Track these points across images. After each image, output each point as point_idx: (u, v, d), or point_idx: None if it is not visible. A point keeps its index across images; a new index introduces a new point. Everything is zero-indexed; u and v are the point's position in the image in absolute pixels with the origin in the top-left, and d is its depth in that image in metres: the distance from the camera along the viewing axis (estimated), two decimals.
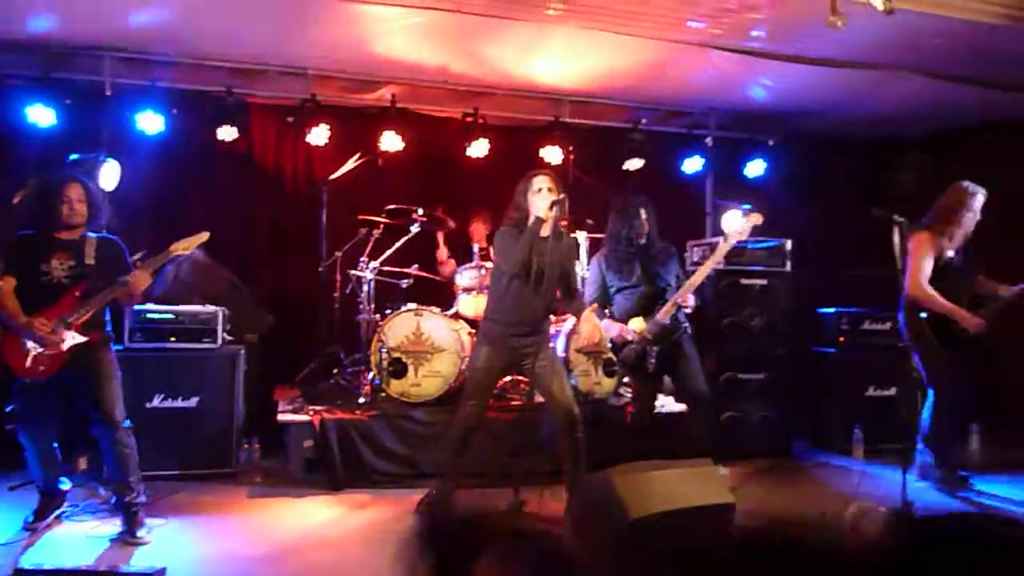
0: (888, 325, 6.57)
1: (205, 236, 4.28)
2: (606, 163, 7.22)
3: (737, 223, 5.01)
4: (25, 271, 4.03)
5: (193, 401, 5.27)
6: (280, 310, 6.51)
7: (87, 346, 4.02)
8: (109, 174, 5.50)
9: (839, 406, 6.48)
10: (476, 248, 6.51)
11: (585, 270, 5.62)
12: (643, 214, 4.91)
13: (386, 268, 6.19)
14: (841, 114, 7.10)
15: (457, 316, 6.08)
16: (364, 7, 5.08)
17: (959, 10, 4.80)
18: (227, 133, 6.27)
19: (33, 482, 4.34)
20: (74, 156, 5.37)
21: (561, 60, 6.17)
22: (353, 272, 6.15)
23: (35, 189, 4.36)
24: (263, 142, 7.05)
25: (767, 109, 7.15)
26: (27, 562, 3.63)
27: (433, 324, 5.75)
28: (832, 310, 6.64)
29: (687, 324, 4.95)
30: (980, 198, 5.01)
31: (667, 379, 5.36)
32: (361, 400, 5.66)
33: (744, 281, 6.34)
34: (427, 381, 5.69)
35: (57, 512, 4.31)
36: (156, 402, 5.19)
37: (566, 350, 5.78)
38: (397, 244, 6.24)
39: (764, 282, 6.39)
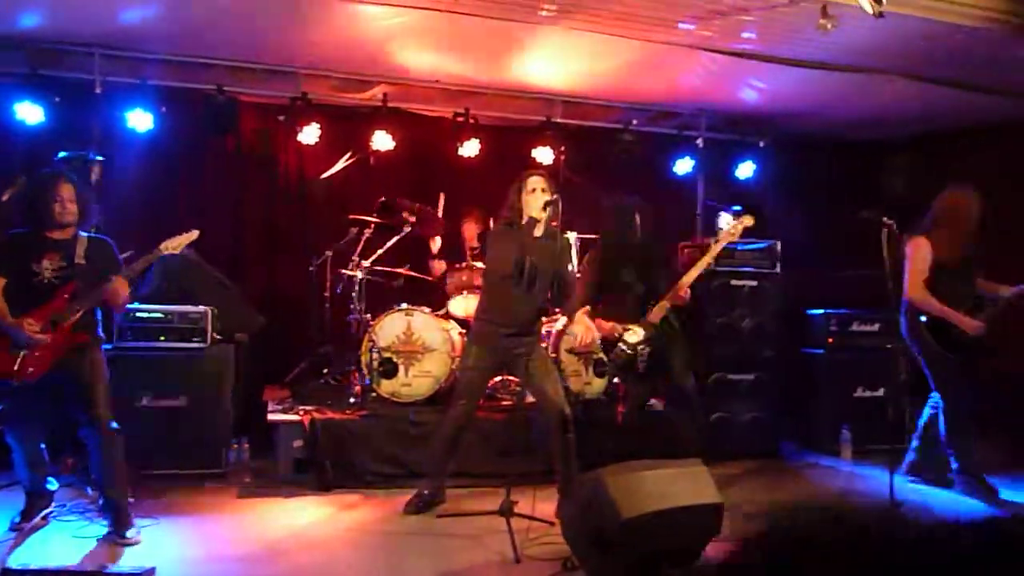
0: (877, 327, 6.62)
1: (195, 235, 4.26)
2: (597, 163, 7.23)
3: (729, 225, 5.04)
4: (16, 271, 4.00)
5: (182, 401, 5.24)
6: (270, 309, 6.49)
7: (77, 347, 4.00)
8: (97, 172, 5.47)
9: (827, 407, 6.51)
10: (468, 248, 6.51)
11: (577, 269, 5.63)
12: (636, 214, 4.93)
13: (377, 268, 6.18)
14: (831, 116, 7.13)
15: (448, 316, 6.07)
16: (356, 6, 5.07)
17: (947, 13, 4.83)
18: (216, 132, 6.27)
19: (20, 482, 4.31)
20: (63, 154, 5.34)
21: (553, 61, 6.17)
22: (344, 272, 6.14)
23: (26, 188, 4.32)
24: (253, 140, 7.02)
25: (757, 111, 7.18)
26: (14, 562, 3.61)
27: (424, 324, 5.75)
28: (821, 311, 6.67)
29: (677, 325, 4.97)
30: (975, 202, 5.02)
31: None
32: (351, 400, 5.66)
33: (734, 282, 6.36)
34: (418, 381, 5.69)
35: (44, 512, 4.28)
36: (145, 401, 5.16)
37: (556, 350, 5.80)
38: (388, 244, 6.23)
39: (754, 283, 6.41)
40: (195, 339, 5.33)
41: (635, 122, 7.31)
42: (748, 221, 4.91)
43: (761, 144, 7.66)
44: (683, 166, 7.52)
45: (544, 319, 5.04)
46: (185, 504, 4.72)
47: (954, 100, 6.37)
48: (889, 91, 6.26)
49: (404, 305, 5.85)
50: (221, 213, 6.84)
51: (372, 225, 6.24)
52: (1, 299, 3.95)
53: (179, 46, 5.94)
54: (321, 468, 5.14)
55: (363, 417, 5.40)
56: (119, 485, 4.06)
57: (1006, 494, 5.07)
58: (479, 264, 6.11)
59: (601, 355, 5.66)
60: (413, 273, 6.49)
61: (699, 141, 7.51)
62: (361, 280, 6.03)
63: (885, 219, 4.56)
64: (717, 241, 4.95)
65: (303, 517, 4.60)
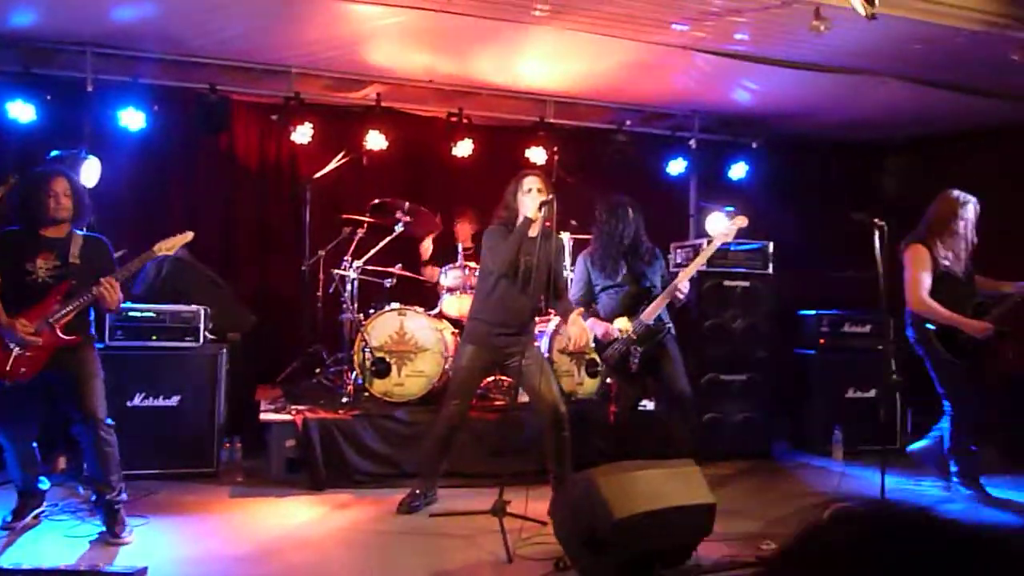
0: (868, 328, 6.66)
1: (189, 236, 4.24)
2: (590, 164, 7.24)
3: (722, 225, 5.06)
4: (9, 270, 3.96)
5: (175, 400, 5.23)
6: (263, 309, 6.49)
7: (70, 347, 3.98)
8: (90, 171, 5.46)
9: (819, 408, 6.54)
10: (460, 248, 6.51)
11: (570, 269, 5.64)
12: (631, 214, 4.95)
13: (370, 267, 6.18)
14: (824, 118, 7.16)
15: (441, 316, 6.07)
16: (350, 5, 5.07)
17: (940, 16, 4.85)
18: (209, 131, 6.27)
19: (11, 482, 4.29)
20: (55, 152, 5.32)
21: (546, 61, 6.18)
22: (336, 271, 6.13)
23: (18, 186, 4.30)
24: (246, 140, 7.02)
25: (750, 112, 7.21)
26: (6, 562, 3.60)
27: (417, 324, 5.75)
28: (813, 312, 6.70)
29: (671, 325, 4.98)
30: (971, 206, 5.02)
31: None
32: (344, 400, 5.65)
33: (727, 283, 6.39)
34: (410, 381, 5.69)
35: (36, 512, 4.26)
36: (137, 401, 5.15)
37: (549, 350, 5.80)
38: (381, 244, 6.22)
39: (746, 284, 6.43)
40: (187, 338, 5.31)
41: (628, 123, 7.33)
42: (742, 222, 4.93)
43: (754, 145, 7.69)
44: (676, 167, 7.54)
45: (537, 319, 5.04)
46: (177, 504, 4.70)
47: (949, 103, 6.40)
48: (882, 93, 6.29)
49: (397, 305, 5.85)
50: (213, 212, 6.84)
51: (365, 225, 6.23)
52: None
53: (171, 45, 5.92)
54: (313, 467, 5.14)
55: (356, 417, 5.39)
56: (113, 481, 4.05)
57: (998, 493, 5.10)
58: (472, 264, 6.11)
59: (594, 355, 5.68)
60: (406, 273, 6.49)
61: (692, 142, 7.53)
62: (354, 280, 6.03)
63: (876, 220, 4.57)
64: (711, 242, 4.97)
65: (295, 516, 4.59)
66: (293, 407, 5.54)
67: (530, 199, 4.39)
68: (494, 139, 7.16)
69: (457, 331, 5.91)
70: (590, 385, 5.96)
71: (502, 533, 3.93)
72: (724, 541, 3.97)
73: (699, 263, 4.93)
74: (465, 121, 6.89)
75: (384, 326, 5.71)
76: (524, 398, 4.82)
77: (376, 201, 6.15)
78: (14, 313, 3.87)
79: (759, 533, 4.24)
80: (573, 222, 6.13)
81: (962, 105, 6.44)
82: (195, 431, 5.26)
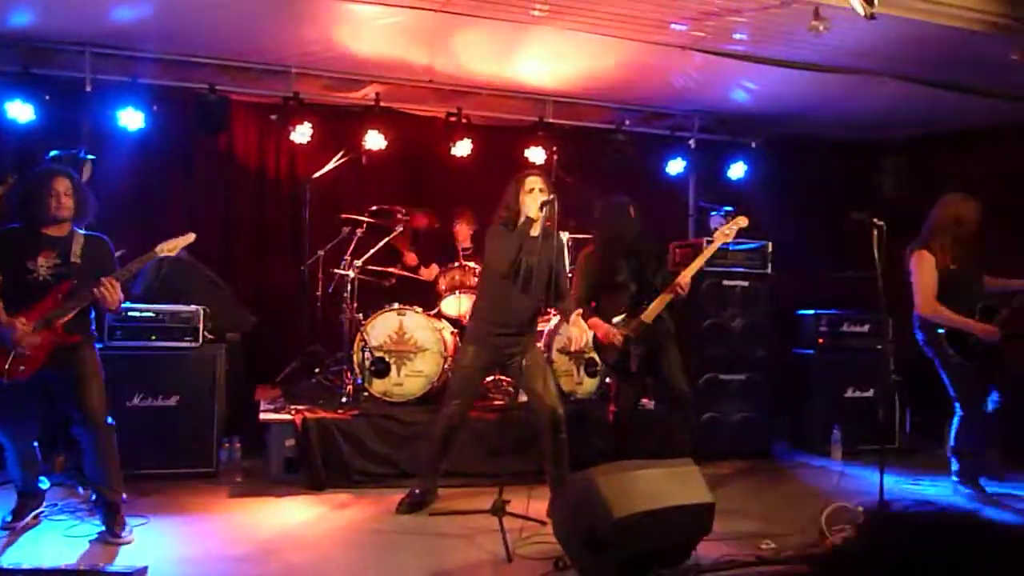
0: (867, 327, 6.66)
1: (191, 237, 4.22)
2: (589, 164, 7.24)
3: (723, 225, 5.06)
4: (10, 268, 3.95)
5: (174, 400, 5.24)
6: (262, 309, 6.49)
7: (70, 346, 3.98)
8: (88, 171, 5.45)
9: (818, 407, 6.54)
10: (460, 248, 6.51)
11: (570, 269, 5.64)
12: (631, 213, 4.95)
13: (369, 267, 6.18)
14: (823, 118, 7.16)
15: (440, 316, 6.08)
16: (349, 5, 5.07)
17: (939, 16, 4.85)
18: (208, 131, 6.27)
19: (11, 481, 4.29)
20: (54, 152, 5.32)
21: (545, 61, 6.18)
22: (336, 271, 6.14)
23: (17, 186, 4.29)
24: (245, 140, 7.02)
25: (749, 112, 7.20)
26: (6, 562, 3.60)
27: (416, 323, 5.75)
28: (812, 312, 6.70)
29: (671, 324, 4.98)
30: (974, 208, 5.02)
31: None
32: (343, 399, 5.65)
33: (726, 283, 6.39)
34: (410, 381, 5.69)
35: (36, 511, 4.26)
36: (136, 401, 5.15)
37: (548, 350, 5.81)
38: (380, 244, 6.23)
39: (745, 284, 6.44)
40: (187, 338, 5.32)
41: (627, 122, 7.33)
42: (743, 222, 4.93)
43: (753, 145, 7.68)
44: (675, 167, 7.54)
45: (538, 319, 5.04)
46: (177, 503, 4.71)
47: (948, 103, 6.39)
48: (881, 93, 6.29)
49: (396, 304, 5.85)
50: (212, 212, 6.83)
51: (364, 225, 6.24)
52: None
53: (170, 45, 5.92)
54: (313, 467, 5.14)
55: (355, 416, 5.40)
56: (113, 481, 4.05)
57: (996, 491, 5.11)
58: (471, 264, 6.12)
59: (593, 355, 5.68)
60: (405, 273, 6.49)
61: (691, 142, 7.53)
62: (353, 279, 6.03)
63: (876, 220, 4.57)
64: (712, 241, 4.96)
65: (295, 516, 4.59)
66: (292, 407, 5.53)
67: (532, 199, 4.39)
68: (493, 139, 7.16)
69: (456, 331, 5.92)
70: (589, 385, 5.97)
71: (502, 533, 3.94)
72: (723, 540, 3.98)
73: (700, 263, 4.93)
74: (464, 121, 6.89)
75: (383, 326, 5.71)
76: (524, 398, 4.82)
77: (374, 208, 6.18)
78: (14, 312, 3.87)
79: (758, 532, 4.25)
80: (572, 222, 6.13)
81: (961, 105, 6.43)
82: (194, 431, 5.26)
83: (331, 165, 6.36)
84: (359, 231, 6.22)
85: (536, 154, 6.97)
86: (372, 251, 6.17)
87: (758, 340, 6.43)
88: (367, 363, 5.60)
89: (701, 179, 7.81)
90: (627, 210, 4.97)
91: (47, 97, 5.81)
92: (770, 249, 6.51)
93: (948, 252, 4.97)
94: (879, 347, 6.51)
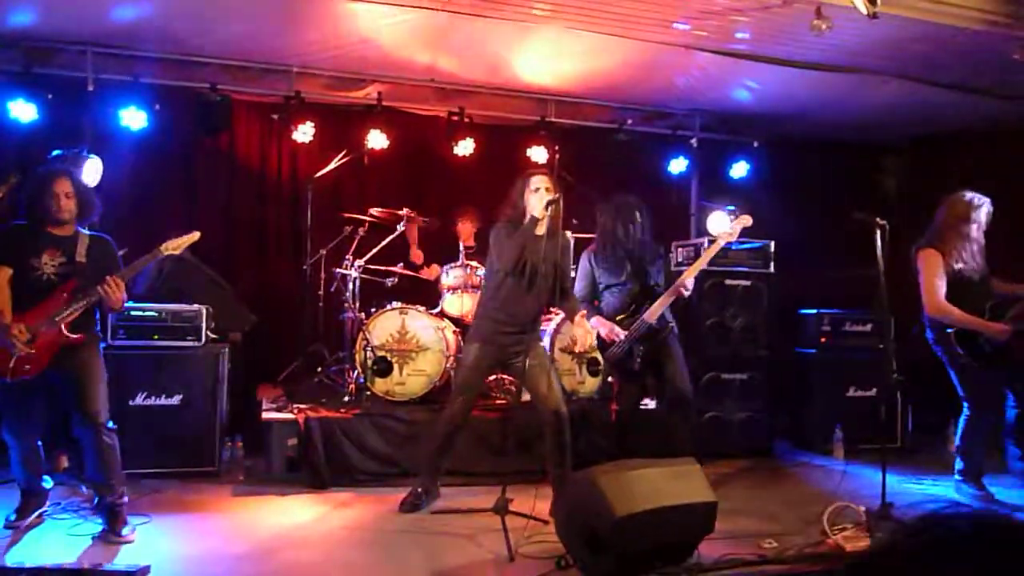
0: (869, 327, 6.67)
1: (196, 236, 4.21)
2: (591, 163, 7.25)
3: (726, 224, 5.05)
4: (15, 265, 3.95)
5: (176, 399, 5.24)
6: (264, 308, 6.49)
7: (74, 346, 3.98)
8: (91, 170, 5.46)
9: (820, 406, 6.54)
10: (462, 247, 6.51)
11: (573, 267, 5.64)
12: (636, 213, 4.95)
13: (371, 266, 6.19)
14: (825, 117, 7.16)
15: (442, 315, 6.08)
16: (350, 4, 5.08)
17: (942, 15, 4.85)
18: (210, 130, 6.29)
19: (14, 480, 4.29)
20: (56, 152, 5.32)
21: (547, 60, 6.18)
22: (338, 270, 6.14)
23: (20, 185, 4.29)
24: (247, 139, 7.02)
25: (751, 111, 7.21)
26: (9, 560, 3.60)
27: (418, 323, 5.75)
28: (814, 311, 6.70)
29: (673, 324, 4.98)
30: (984, 208, 4.98)
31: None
32: (345, 399, 5.66)
33: (728, 282, 6.39)
34: (412, 380, 5.70)
35: (39, 511, 4.26)
36: (139, 400, 5.16)
37: (550, 348, 5.81)
38: (383, 243, 6.23)
39: (747, 283, 6.44)
40: (189, 338, 5.32)
41: (629, 122, 7.33)
42: (747, 221, 4.92)
43: (755, 144, 7.68)
44: (677, 166, 7.55)
45: (542, 318, 5.04)
46: (179, 502, 4.71)
47: (950, 102, 6.40)
48: (884, 92, 6.29)
49: (398, 303, 5.85)
50: (214, 211, 6.84)
51: (366, 224, 6.24)
52: (6, 292, 3.90)
53: (172, 44, 5.93)
54: (315, 466, 5.14)
55: (357, 415, 5.40)
56: (114, 483, 4.05)
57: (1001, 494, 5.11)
58: (474, 263, 6.12)
59: (595, 354, 5.68)
60: (408, 272, 6.49)
61: (693, 141, 7.54)
62: (355, 279, 6.03)
63: (878, 220, 4.56)
64: (716, 241, 4.96)
65: (297, 515, 4.60)
66: (295, 406, 5.54)
67: (537, 198, 4.39)
68: (495, 138, 7.16)
69: (458, 330, 5.92)
70: (591, 384, 5.97)
71: (504, 532, 3.93)
72: (725, 540, 3.97)
73: (703, 262, 4.92)
74: (466, 120, 6.89)
75: (385, 325, 5.72)
76: (527, 397, 4.82)
77: (376, 212, 6.18)
78: (19, 310, 3.87)
79: (760, 532, 4.24)
80: (574, 221, 6.13)
81: (964, 104, 6.43)
82: (197, 430, 5.26)
83: (333, 164, 6.37)
84: (361, 230, 6.23)
85: (538, 153, 6.98)
86: (375, 249, 6.18)
87: (760, 339, 6.43)
88: (369, 362, 5.60)
89: (703, 178, 7.82)
90: (632, 209, 4.96)
91: (49, 97, 5.82)
92: (772, 248, 6.51)
93: (956, 251, 4.95)
94: (881, 346, 6.49)
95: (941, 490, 5.27)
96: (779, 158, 7.65)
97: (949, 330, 4.91)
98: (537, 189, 4.42)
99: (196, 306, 5.38)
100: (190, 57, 6.10)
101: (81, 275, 4.00)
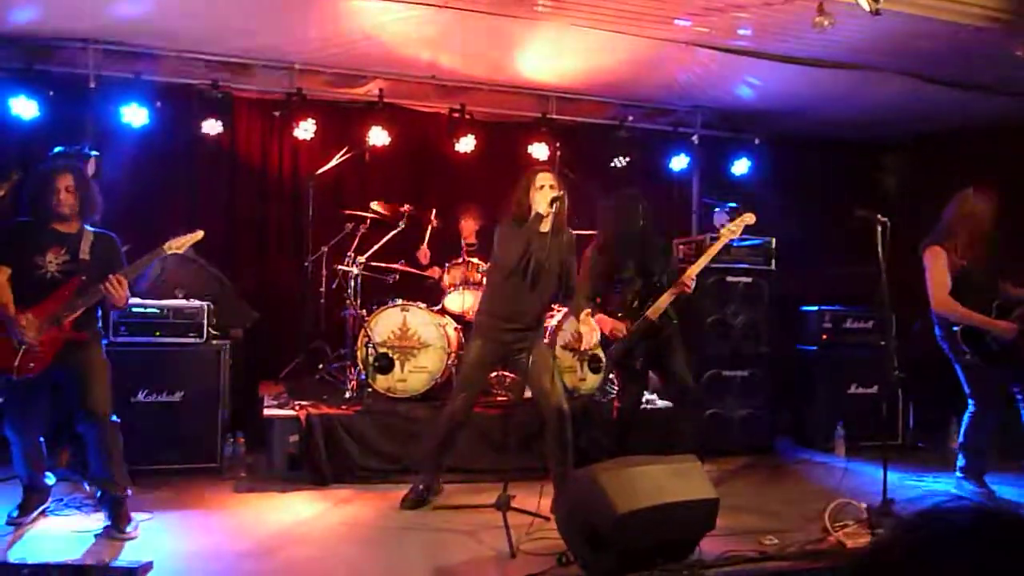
0: (870, 324, 6.67)
1: (199, 235, 4.19)
2: (592, 160, 7.24)
3: (729, 222, 5.04)
4: (17, 261, 3.95)
5: (178, 396, 5.24)
6: (265, 305, 6.49)
7: (78, 343, 3.98)
8: (91, 167, 5.46)
9: (822, 404, 6.55)
10: (464, 244, 6.51)
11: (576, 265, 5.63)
12: (640, 208, 4.95)
13: (372, 263, 6.19)
14: (826, 114, 7.15)
15: (444, 311, 6.08)
16: (352, 2, 5.08)
17: (944, 12, 4.84)
18: (211, 127, 6.28)
19: (17, 477, 4.30)
20: (58, 149, 5.32)
21: (548, 57, 6.18)
22: (339, 267, 6.14)
23: (22, 182, 4.29)
24: (249, 136, 7.02)
25: (753, 108, 7.19)
26: (12, 557, 3.61)
27: (419, 319, 5.76)
28: (815, 308, 6.70)
29: (676, 320, 4.98)
30: (988, 202, 4.98)
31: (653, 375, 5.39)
32: (347, 395, 5.67)
33: (729, 279, 6.39)
34: (413, 376, 5.70)
35: (41, 507, 4.27)
36: (141, 397, 5.16)
37: (552, 346, 5.80)
38: (384, 239, 6.23)
39: (749, 280, 6.44)
40: (191, 334, 5.32)
41: (631, 119, 7.33)
42: (750, 218, 4.91)
43: (756, 141, 7.68)
44: (678, 163, 7.55)
45: (545, 315, 5.04)
46: (181, 499, 4.72)
47: (952, 99, 6.38)
48: (884, 90, 6.28)
49: (400, 300, 5.85)
50: (215, 208, 6.83)
51: (368, 221, 6.24)
52: (7, 290, 3.90)
53: (174, 41, 5.92)
54: (317, 463, 5.15)
55: (358, 412, 5.40)
56: (117, 480, 4.06)
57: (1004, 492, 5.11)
58: (475, 260, 6.12)
59: (597, 351, 5.68)
60: (409, 268, 6.49)
61: (694, 138, 7.53)
62: (357, 276, 6.03)
63: (880, 217, 4.56)
64: (719, 237, 4.95)
65: (299, 512, 4.60)
66: (296, 403, 5.55)
67: (542, 195, 4.38)
68: (497, 135, 7.16)
69: (460, 327, 5.92)
70: (593, 381, 5.97)
71: (505, 528, 3.94)
72: (727, 536, 3.98)
73: (706, 259, 4.91)
74: (467, 117, 6.89)
75: (387, 322, 5.72)
76: (529, 394, 4.82)
77: (377, 211, 6.19)
78: (23, 308, 3.87)
79: (761, 529, 4.25)
80: (575, 218, 6.12)
81: (966, 101, 6.42)
82: (198, 427, 5.27)
83: (334, 161, 6.37)
84: (362, 227, 6.23)
85: (539, 150, 6.97)
86: (376, 246, 6.18)
87: (761, 336, 6.43)
88: (371, 359, 5.60)
89: (704, 175, 7.81)
90: (636, 205, 4.96)
91: (51, 93, 5.82)
92: (773, 245, 6.50)
93: (962, 249, 4.93)
94: (882, 343, 6.48)
95: (942, 487, 5.27)
96: (780, 155, 7.65)
97: (955, 328, 4.90)
98: (542, 186, 4.41)
99: (198, 303, 5.38)
100: (191, 54, 6.09)
101: (85, 273, 3.99)
